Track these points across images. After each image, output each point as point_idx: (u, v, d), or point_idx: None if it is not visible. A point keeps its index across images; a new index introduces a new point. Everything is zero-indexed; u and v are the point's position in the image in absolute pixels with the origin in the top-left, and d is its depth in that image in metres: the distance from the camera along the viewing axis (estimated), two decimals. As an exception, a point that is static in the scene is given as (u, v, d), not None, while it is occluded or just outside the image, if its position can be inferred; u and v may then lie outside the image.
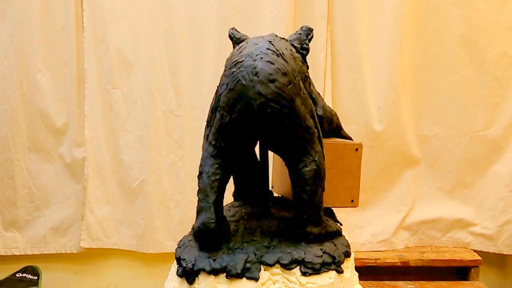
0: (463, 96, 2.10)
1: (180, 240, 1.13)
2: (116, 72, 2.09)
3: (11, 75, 2.07)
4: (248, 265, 0.98)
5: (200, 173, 1.02)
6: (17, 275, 2.06)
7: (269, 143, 1.04)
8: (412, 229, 2.18)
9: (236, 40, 1.29)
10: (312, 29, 1.27)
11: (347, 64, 2.07)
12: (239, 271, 0.97)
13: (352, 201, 1.31)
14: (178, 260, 1.04)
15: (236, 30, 1.28)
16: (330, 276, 1.01)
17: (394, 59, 2.05)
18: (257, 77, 0.92)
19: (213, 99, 1.05)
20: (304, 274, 0.99)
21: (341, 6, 2.05)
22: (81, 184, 2.15)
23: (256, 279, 0.97)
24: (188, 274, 1.00)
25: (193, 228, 1.06)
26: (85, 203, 2.13)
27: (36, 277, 2.06)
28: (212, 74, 2.07)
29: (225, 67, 1.00)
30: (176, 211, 2.14)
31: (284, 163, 1.28)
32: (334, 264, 1.03)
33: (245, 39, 1.25)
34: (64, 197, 2.17)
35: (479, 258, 2.06)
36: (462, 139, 2.12)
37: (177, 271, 1.03)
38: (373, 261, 2.04)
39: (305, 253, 1.01)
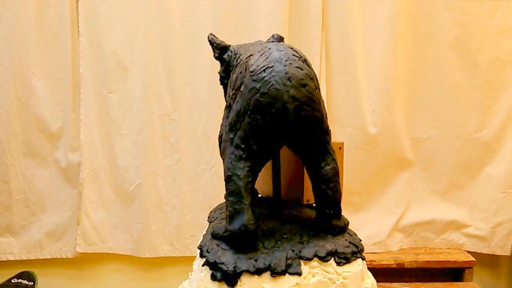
0: (456, 99, 2.13)
1: (203, 246, 1.10)
2: (111, 77, 2.10)
3: (6, 79, 2.07)
4: (289, 261, 1.02)
5: (230, 177, 1.02)
6: (12, 280, 2.04)
7: (295, 144, 1.07)
8: (406, 231, 2.20)
9: (216, 45, 1.33)
10: (283, 38, 1.33)
11: (342, 68, 2.09)
12: (283, 268, 1.00)
13: None
14: (215, 264, 1.02)
15: (214, 35, 1.33)
16: (358, 263, 1.10)
17: (388, 63, 2.08)
18: (290, 81, 0.97)
19: (236, 103, 1.05)
20: (338, 264, 1.06)
21: (335, 11, 2.07)
22: (76, 189, 2.15)
23: (299, 273, 1.01)
24: (230, 277, 1.00)
25: (226, 231, 1.05)
26: (80, 208, 2.13)
27: (32, 283, 2.05)
28: (208, 78, 2.08)
29: (251, 72, 1.01)
30: (172, 215, 2.14)
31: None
32: (359, 252, 1.11)
33: (225, 45, 1.32)
34: (59, 202, 2.16)
35: (473, 259, 2.08)
36: (455, 142, 2.15)
37: (214, 276, 1.02)
38: (369, 263, 2.02)
39: (335, 245, 1.07)
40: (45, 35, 2.08)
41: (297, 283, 1.00)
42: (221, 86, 1.40)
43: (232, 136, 1.03)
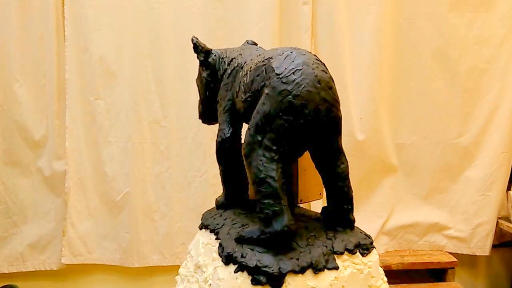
0: (437, 106, 2.21)
1: (233, 252, 1.08)
2: (99, 82, 2.05)
3: (-14, 85, 1.98)
4: (325, 257, 1.06)
5: (263, 179, 1.01)
6: (-6, 295, 1.96)
7: (319, 144, 1.09)
8: (391, 234, 2.27)
9: (201, 49, 1.33)
10: (257, 43, 1.39)
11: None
12: (324, 264, 1.04)
13: (320, 194, 1.43)
14: (256, 269, 1.02)
15: (197, 39, 1.34)
16: (375, 253, 1.17)
17: (374, 71, 2.14)
18: (320, 84, 1.02)
19: (262, 105, 1.04)
20: (363, 255, 1.12)
21: (324, 20, 2.11)
22: (61, 198, 2.08)
23: (337, 268, 1.06)
24: (276, 279, 1.00)
25: (263, 234, 1.04)
26: (66, 218, 2.06)
27: (15, 297, 1.97)
28: (198, 85, 2.06)
29: (278, 74, 1.02)
30: (161, 224, 2.11)
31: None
32: (372, 243, 1.18)
33: (208, 49, 1.33)
34: (43, 212, 2.09)
35: (455, 260, 2.18)
36: (436, 147, 2.23)
37: (257, 280, 1.01)
38: (358, 266, 2.09)
39: (357, 238, 1.14)
40: (28, 39, 2.01)
41: (336, 277, 1.05)
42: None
43: (260, 139, 1.03)
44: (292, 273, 1.01)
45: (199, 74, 1.41)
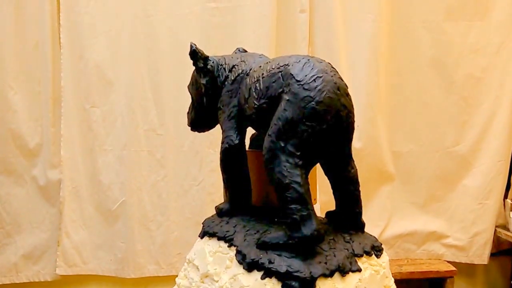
0: (434, 114, 2.21)
1: (258, 258, 1.06)
2: (94, 90, 2.03)
3: (-20, 93, 1.96)
4: (349, 260, 1.07)
5: (288, 184, 1.02)
6: (-14, 307, 1.92)
7: (336, 149, 1.10)
8: (389, 243, 2.25)
9: (201, 55, 1.32)
10: (246, 50, 1.39)
11: (328, 83, 2.12)
12: (349, 266, 1.05)
13: (314, 199, 1.40)
14: (287, 274, 1.01)
15: (196, 45, 1.32)
16: (385, 254, 1.20)
17: (371, 79, 2.14)
18: (339, 90, 1.05)
19: (283, 111, 1.04)
20: (377, 256, 1.14)
21: (321, 28, 2.11)
22: (56, 208, 2.05)
23: (360, 270, 1.07)
24: (308, 283, 1.00)
25: (290, 239, 1.03)
26: (61, 228, 2.03)
27: (8, 309, 1.93)
28: (195, 92, 2.05)
29: (299, 81, 1.03)
30: (158, 233, 2.08)
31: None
32: (382, 244, 1.20)
33: (206, 55, 1.32)
34: (37, 222, 2.06)
35: (454, 268, 2.16)
36: (433, 155, 2.23)
37: (289, 286, 1.00)
38: (356, 276, 2.07)
39: (370, 240, 1.16)
40: (23, 46, 2.00)
41: (359, 279, 1.06)
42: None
43: (283, 145, 1.04)
44: (323, 277, 1.01)
45: (195, 80, 1.39)
